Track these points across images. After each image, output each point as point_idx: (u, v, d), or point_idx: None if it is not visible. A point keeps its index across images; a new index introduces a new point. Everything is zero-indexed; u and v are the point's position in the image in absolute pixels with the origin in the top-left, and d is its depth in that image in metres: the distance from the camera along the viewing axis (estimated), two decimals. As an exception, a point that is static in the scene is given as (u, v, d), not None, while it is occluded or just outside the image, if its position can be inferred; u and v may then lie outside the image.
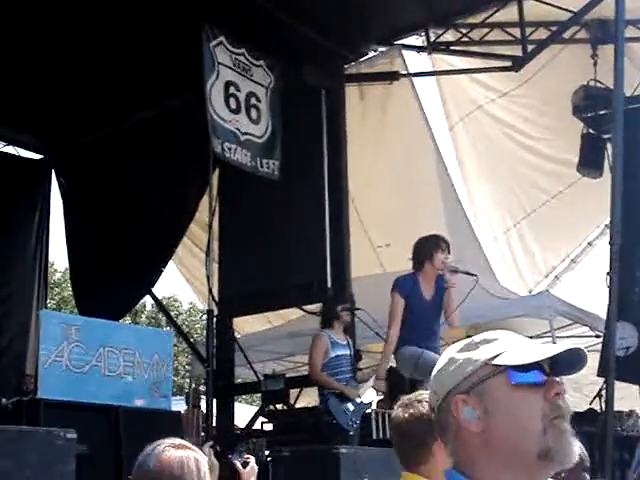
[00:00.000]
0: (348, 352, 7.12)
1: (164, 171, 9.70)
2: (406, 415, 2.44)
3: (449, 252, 6.52)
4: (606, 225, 9.81)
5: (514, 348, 1.40)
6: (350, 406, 6.84)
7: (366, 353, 9.46)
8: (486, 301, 8.52)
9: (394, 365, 7.62)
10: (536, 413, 1.34)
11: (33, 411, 6.44)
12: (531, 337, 9.02)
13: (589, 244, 11.15)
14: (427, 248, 6.63)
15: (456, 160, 10.30)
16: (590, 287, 10.13)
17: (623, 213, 6.87)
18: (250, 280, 8.52)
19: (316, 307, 8.57)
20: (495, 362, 1.38)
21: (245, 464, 3.41)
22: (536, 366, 1.36)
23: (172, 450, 2.24)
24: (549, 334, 8.53)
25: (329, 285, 7.97)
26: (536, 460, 1.34)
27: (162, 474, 2.20)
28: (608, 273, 6.90)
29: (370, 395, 8.32)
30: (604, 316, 7.29)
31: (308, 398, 9.30)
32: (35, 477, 3.61)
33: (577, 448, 1.35)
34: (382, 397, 9.90)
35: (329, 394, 6.89)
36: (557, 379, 1.37)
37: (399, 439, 2.49)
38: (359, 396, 6.90)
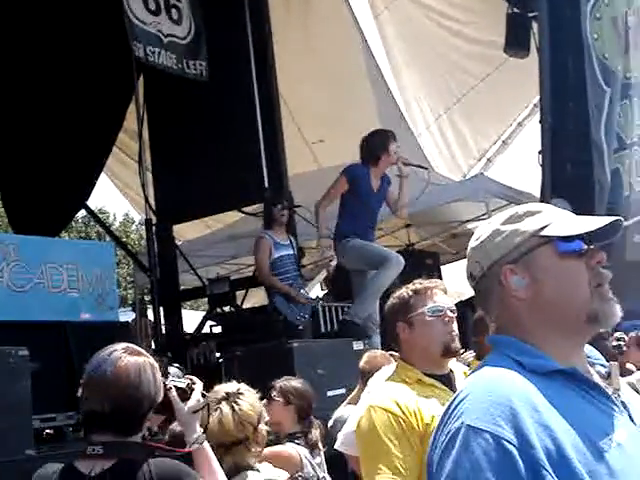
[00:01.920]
0: (292, 252, 7.13)
1: (87, 80, 9.39)
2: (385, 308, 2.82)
3: (397, 143, 6.62)
4: (535, 105, 9.92)
5: (558, 220, 1.48)
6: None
7: (308, 250, 9.54)
8: (421, 188, 8.61)
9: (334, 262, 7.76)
10: (583, 280, 1.44)
11: (-22, 334, 6.38)
12: (468, 220, 9.24)
13: (519, 124, 11.29)
14: (381, 140, 6.67)
15: (384, 49, 10.21)
16: (522, 167, 10.33)
17: (551, 91, 6.94)
18: (186, 186, 8.42)
19: (255, 208, 8.56)
20: (543, 233, 1.46)
21: (187, 392, 2.48)
22: (578, 236, 1.44)
23: (128, 356, 2.21)
24: (485, 216, 8.70)
25: (266, 185, 7.93)
26: (584, 323, 1.44)
27: (119, 380, 2.17)
28: (540, 152, 7.01)
29: (316, 291, 8.47)
30: (538, 194, 7.45)
31: (254, 299, 9.40)
32: (-9, 396, 3.61)
33: (619, 311, 1.45)
34: (326, 291, 10.09)
35: (275, 293, 6.96)
36: (598, 248, 1.46)
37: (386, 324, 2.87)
38: (304, 297, 6.95)
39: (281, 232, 7.08)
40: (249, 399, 2.90)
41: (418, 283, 2.71)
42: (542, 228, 1.47)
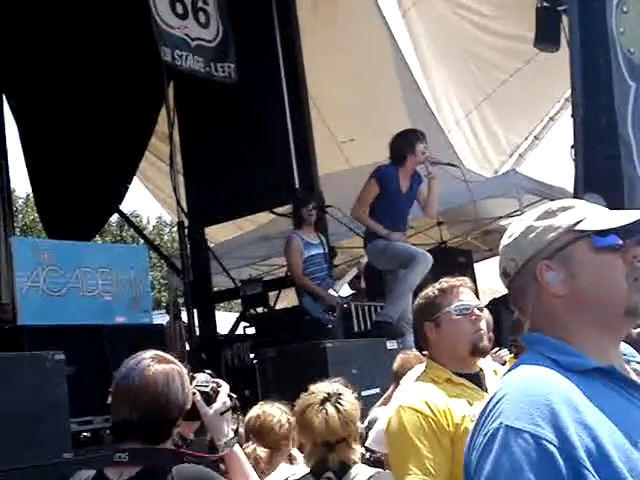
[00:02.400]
0: (322, 250, 7.15)
1: (118, 86, 9.48)
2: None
3: (426, 143, 6.60)
4: (566, 99, 9.81)
5: (592, 215, 1.47)
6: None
7: (339, 249, 9.54)
8: (453, 186, 8.56)
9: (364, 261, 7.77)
10: (619, 274, 1.43)
11: (16, 338, 6.46)
12: (501, 217, 9.15)
13: (551, 119, 11.19)
14: (408, 140, 6.69)
15: (412, 46, 10.17)
16: (555, 162, 10.23)
17: (582, 85, 6.86)
18: (217, 188, 8.46)
19: (286, 209, 8.58)
20: (578, 228, 1.45)
21: (212, 395, 2.47)
22: (613, 231, 1.43)
23: (156, 365, 2.22)
24: (518, 212, 8.63)
25: (297, 185, 7.94)
26: (622, 316, 1.43)
27: (147, 388, 2.18)
28: (572, 146, 6.93)
29: (346, 290, 8.45)
30: (571, 189, 7.37)
31: (287, 299, 9.41)
32: (28, 400, 3.65)
33: None
34: (356, 291, 10.09)
35: (304, 293, 6.98)
36: (634, 242, 1.45)
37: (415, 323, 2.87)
38: (332, 297, 6.93)
39: (310, 231, 7.10)
40: (349, 398, 2.93)
41: (444, 282, 2.68)
42: (576, 223, 1.46)
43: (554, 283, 1.45)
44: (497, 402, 1.36)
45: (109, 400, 2.22)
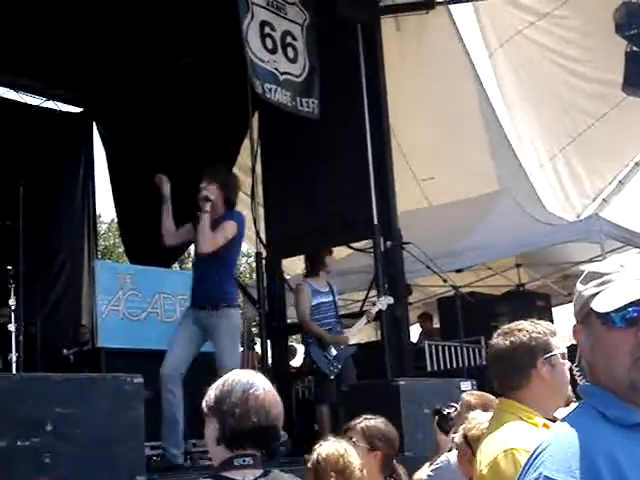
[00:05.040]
0: (331, 299, 7.28)
1: (203, 117, 9.70)
2: (507, 342, 2.55)
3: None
4: (654, 145, 9.63)
5: (612, 288, 1.45)
6: (333, 351, 6.90)
7: (415, 287, 9.50)
8: (535, 228, 8.46)
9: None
10: (625, 350, 1.41)
11: (94, 360, 6.61)
12: (582, 262, 8.96)
13: (636, 164, 10.96)
14: None
15: (497, 88, 10.11)
16: (639, 208, 10.01)
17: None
18: (296, 221, 8.53)
19: (364, 244, 8.59)
20: (591, 304, 1.46)
21: None
22: (630, 304, 1.41)
23: (269, 392, 2.34)
24: (600, 258, 8.46)
25: (375, 221, 7.95)
26: (628, 389, 1.42)
27: (274, 397, 2.34)
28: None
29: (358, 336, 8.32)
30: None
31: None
32: (106, 422, 3.71)
33: None
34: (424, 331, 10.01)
35: (310, 340, 7.05)
36: None
37: (498, 365, 2.60)
38: (342, 342, 6.96)
39: (321, 280, 7.31)
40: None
41: (547, 324, 2.62)
42: (593, 296, 1.46)
43: (584, 347, 1.49)
44: (541, 452, 1.39)
45: (224, 408, 2.29)
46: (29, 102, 10.91)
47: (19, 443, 3.40)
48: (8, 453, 3.36)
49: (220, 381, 2.39)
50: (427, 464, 4.11)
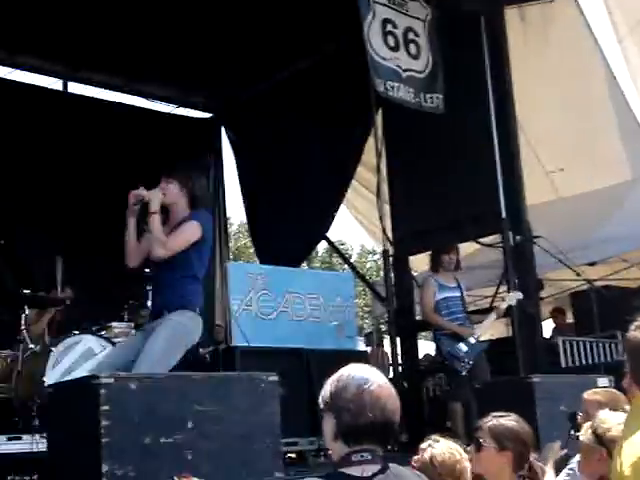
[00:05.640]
0: (458, 294, 7.22)
1: (326, 117, 9.80)
2: None
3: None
4: None
5: None
6: (463, 347, 6.81)
7: (546, 281, 9.28)
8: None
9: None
10: None
11: (229, 359, 6.79)
12: None
13: None
14: None
15: (628, 74, 9.74)
16: None
17: None
18: (422, 217, 8.50)
19: (492, 239, 8.47)
20: None
21: None
22: None
23: (385, 387, 2.33)
24: None
25: (503, 215, 7.82)
26: None
27: (391, 391, 2.32)
28: None
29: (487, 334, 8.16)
30: None
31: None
32: (244, 419, 3.80)
33: None
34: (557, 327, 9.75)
35: (440, 337, 7.00)
36: None
37: (634, 359, 2.49)
38: (472, 335, 6.88)
39: (448, 275, 7.26)
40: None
41: None
42: None
43: None
44: None
45: (341, 404, 2.31)
46: (160, 110, 11.30)
47: (162, 440, 3.53)
48: (152, 450, 3.50)
49: (335, 376, 2.40)
50: (550, 463, 3.94)
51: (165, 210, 4.85)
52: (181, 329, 4.58)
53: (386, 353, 11.02)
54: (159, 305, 4.72)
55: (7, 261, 8.56)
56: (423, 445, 3.15)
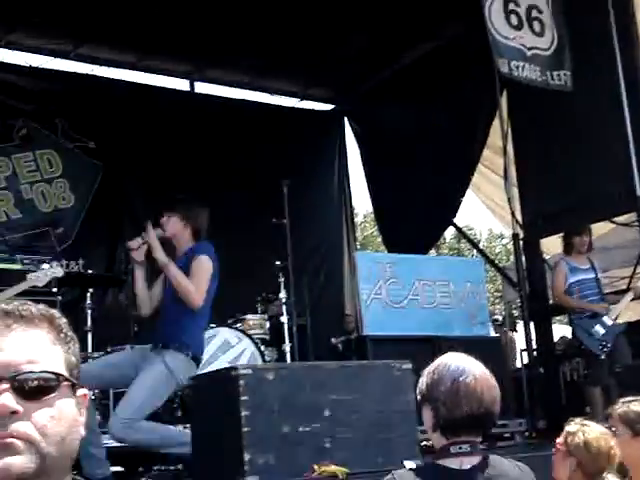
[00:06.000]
0: (592, 275, 7.11)
1: (449, 102, 9.71)
2: None
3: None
4: None
5: None
6: (600, 329, 6.63)
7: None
8: None
9: None
10: None
11: (360, 347, 6.84)
12: None
13: None
14: None
15: None
16: None
17: None
18: (552, 199, 8.28)
19: (627, 218, 8.18)
20: None
21: None
22: None
23: (481, 377, 2.32)
24: None
25: (638, 193, 7.53)
26: None
27: (489, 381, 2.33)
28: None
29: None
30: None
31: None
32: (379, 408, 3.84)
33: None
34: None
35: (576, 320, 6.87)
36: None
37: None
38: (607, 311, 6.75)
39: (581, 257, 7.17)
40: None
41: None
42: None
43: None
44: None
45: (435, 396, 2.30)
46: (284, 104, 11.46)
47: (301, 429, 3.61)
48: (291, 439, 3.58)
49: (431, 367, 2.39)
50: None
51: (169, 244, 4.86)
52: (170, 372, 4.50)
53: (513, 340, 10.85)
54: (159, 337, 4.69)
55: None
56: (571, 429, 3.02)
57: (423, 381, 2.39)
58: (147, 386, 4.48)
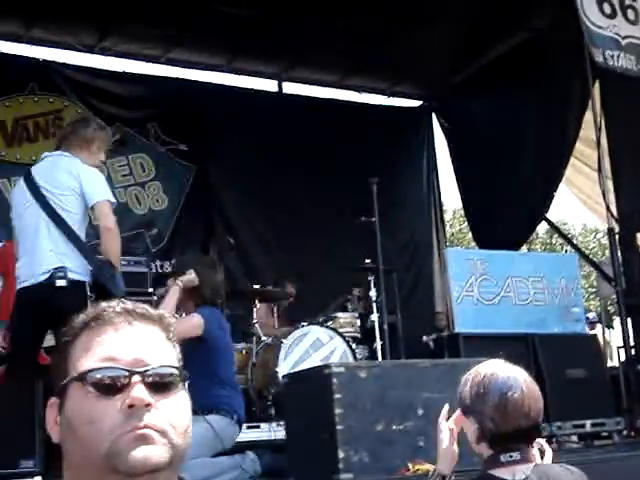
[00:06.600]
0: None
1: (540, 95, 9.54)
2: None
3: None
4: None
5: None
6: None
7: None
8: None
9: None
10: None
11: (453, 345, 6.78)
12: None
13: None
14: None
15: None
16: None
17: None
18: (650, 191, 8.06)
19: None
20: None
21: None
22: None
23: (528, 390, 2.27)
24: None
25: None
26: None
27: (535, 393, 2.28)
28: None
29: None
30: None
31: None
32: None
33: None
34: None
35: None
36: None
37: None
38: None
39: None
40: None
41: None
42: None
43: None
44: None
45: (487, 412, 2.25)
46: (371, 102, 11.45)
47: (394, 427, 3.60)
48: (385, 437, 3.58)
49: (475, 377, 2.33)
50: None
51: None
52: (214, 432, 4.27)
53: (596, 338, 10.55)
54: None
55: (238, 259, 9.05)
56: None
57: (466, 392, 2.33)
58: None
